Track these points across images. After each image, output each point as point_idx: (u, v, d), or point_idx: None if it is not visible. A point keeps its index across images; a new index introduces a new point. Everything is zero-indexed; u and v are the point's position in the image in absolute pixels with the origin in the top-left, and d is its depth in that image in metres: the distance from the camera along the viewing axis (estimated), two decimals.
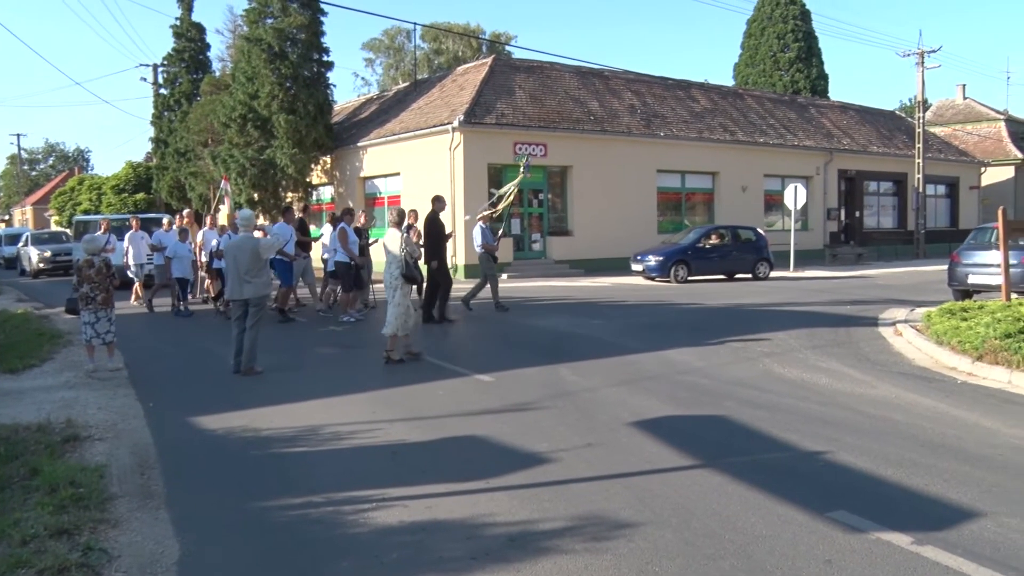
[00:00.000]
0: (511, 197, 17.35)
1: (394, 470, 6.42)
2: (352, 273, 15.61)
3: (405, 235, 11.32)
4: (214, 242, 16.77)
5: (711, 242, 25.22)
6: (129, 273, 18.84)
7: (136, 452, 6.99)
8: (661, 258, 23.93)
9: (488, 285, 16.60)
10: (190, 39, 38.71)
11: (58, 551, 4.77)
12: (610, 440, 7.17)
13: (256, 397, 9.02)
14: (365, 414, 8.18)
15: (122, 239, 19.55)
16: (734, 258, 25.48)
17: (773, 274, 25.57)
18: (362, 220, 17.93)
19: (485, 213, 16.89)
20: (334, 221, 16.77)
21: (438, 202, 15.04)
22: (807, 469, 6.38)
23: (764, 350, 11.71)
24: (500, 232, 17.48)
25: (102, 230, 18.26)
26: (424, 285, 14.14)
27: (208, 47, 39.67)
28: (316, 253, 19.02)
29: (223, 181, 23.05)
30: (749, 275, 25.22)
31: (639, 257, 24.57)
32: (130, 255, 18.82)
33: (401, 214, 11.62)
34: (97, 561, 4.74)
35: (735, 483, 5.95)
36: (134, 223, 19.74)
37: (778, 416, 7.97)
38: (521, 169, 17.73)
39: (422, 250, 11.31)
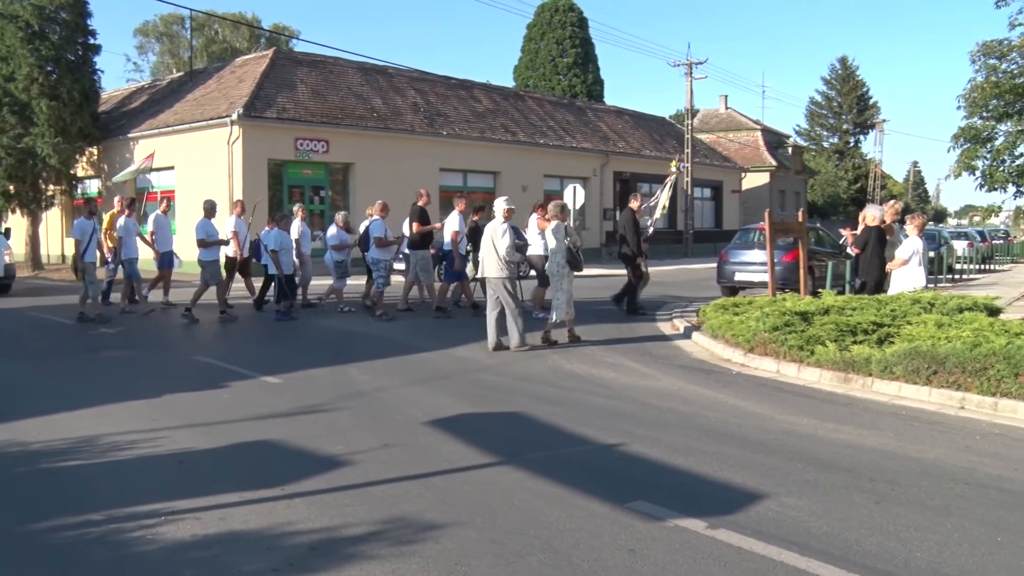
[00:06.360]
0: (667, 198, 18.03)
1: (182, 480, 6.03)
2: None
3: (567, 226, 12.10)
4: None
5: None
6: (176, 261, 16.09)
7: None
8: None
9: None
10: None
11: None
12: (407, 440, 7.07)
13: (22, 408, 8.23)
14: (146, 422, 7.65)
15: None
16: None
17: None
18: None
19: (654, 214, 17.05)
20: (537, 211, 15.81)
21: (635, 199, 15.98)
22: (604, 462, 6.55)
23: (553, 347, 11.98)
24: (649, 231, 17.62)
25: (117, 209, 15.68)
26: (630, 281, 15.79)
27: None
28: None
29: (148, 158, 20.58)
30: None
31: None
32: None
33: (564, 208, 12.32)
34: None
35: (535, 479, 6.00)
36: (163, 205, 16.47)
37: (571, 411, 8.15)
38: (674, 169, 18.18)
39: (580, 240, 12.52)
